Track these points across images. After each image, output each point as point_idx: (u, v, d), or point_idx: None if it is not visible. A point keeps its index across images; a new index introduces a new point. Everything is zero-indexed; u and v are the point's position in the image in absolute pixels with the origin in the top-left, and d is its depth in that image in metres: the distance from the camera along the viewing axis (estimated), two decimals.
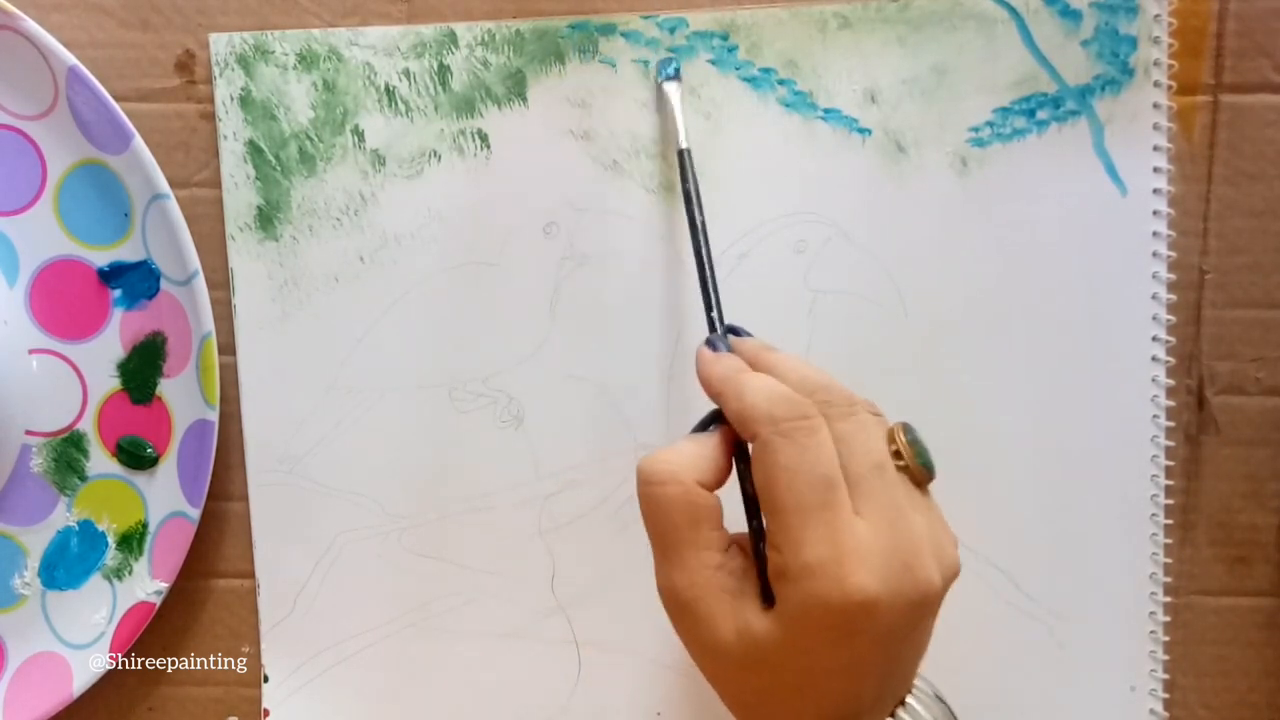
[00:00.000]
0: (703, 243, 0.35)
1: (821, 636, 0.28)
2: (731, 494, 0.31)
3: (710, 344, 0.33)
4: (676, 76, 0.38)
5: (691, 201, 0.36)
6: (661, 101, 0.39)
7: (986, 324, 0.40)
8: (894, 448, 0.30)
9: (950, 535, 0.30)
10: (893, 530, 0.28)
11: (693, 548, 0.30)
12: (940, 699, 0.32)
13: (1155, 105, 0.38)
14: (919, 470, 0.30)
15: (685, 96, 0.39)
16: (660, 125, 0.39)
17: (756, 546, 0.30)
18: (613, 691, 0.42)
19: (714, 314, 0.34)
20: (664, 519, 0.30)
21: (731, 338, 0.33)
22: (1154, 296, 0.39)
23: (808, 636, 0.28)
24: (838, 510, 0.28)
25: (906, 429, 0.30)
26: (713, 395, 0.32)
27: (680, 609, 0.30)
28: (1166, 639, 0.40)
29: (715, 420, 0.32)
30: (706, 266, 0.35)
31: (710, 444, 0.31)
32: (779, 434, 0.29)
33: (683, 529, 0.30)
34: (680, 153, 0.37)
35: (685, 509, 0.30)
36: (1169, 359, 0.39)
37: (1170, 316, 0.39)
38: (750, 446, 0.30)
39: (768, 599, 0.29)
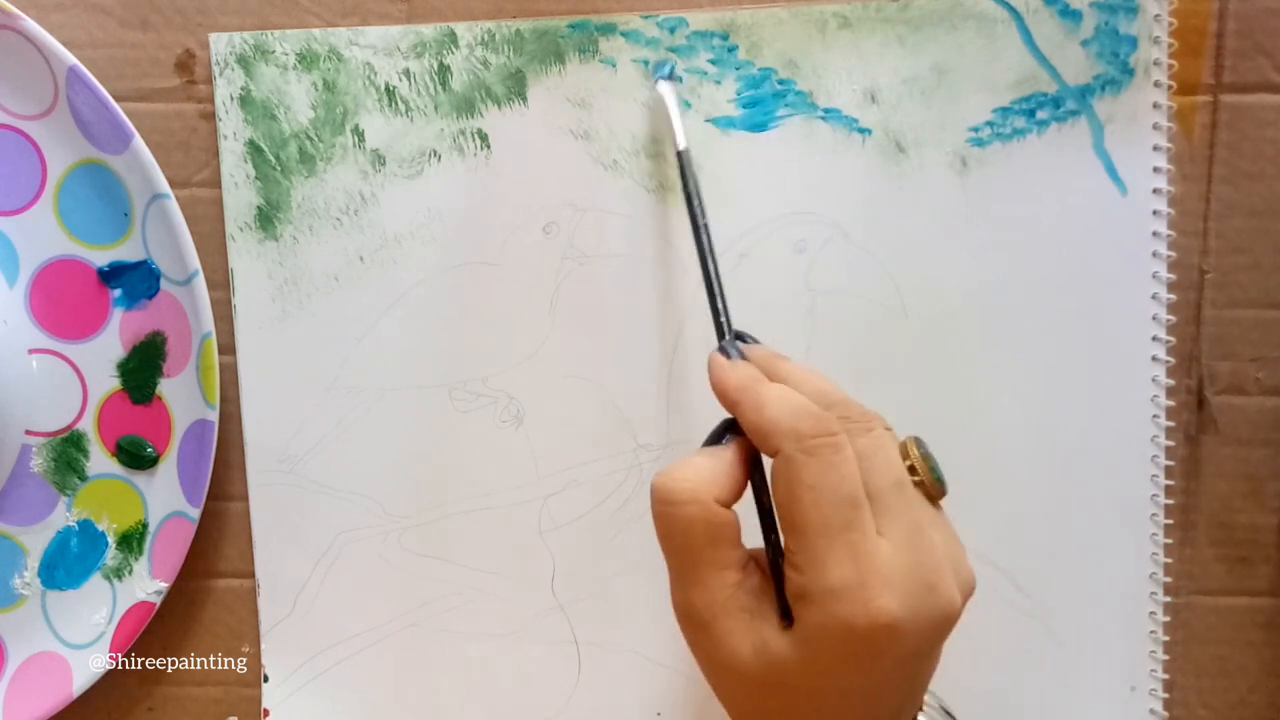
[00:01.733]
0: (706, 244, 0.34)
1: (842, 658, 0.27)
2: (744, 506, 0.31)
3: (723, 351, 0.32)
4: (672, 77, 0.38)
5: (693, 202, 0.35)
6: (657, 102, 0.38)
7: (986, 324, 0.40)
8: (908, 463, 0.30)
9: (962, 549, 0.30)
10: (914, 550, 0.28)
11: (712, 567, 0.29)
12: (948, 712, 0.31)
13: (1155, 105, 0.38)
14: (933, 486, 0.30)
15: (686, 96, 0.39)
16: (656, 125, 0.39)
17: (774, 563, 0.30)
18: (613, 691, 0.42)
19: (722, 319, 0.34)
20: (683, 539, 0.29)
21: (740, 345, 0.33)
22: (1154, 296, 0.39)
23: (828, 658, 0.28)
24: (862, 531, 0.27)
25: (919, 443, 0.30)
26: (728, 405, 0.31)
27: (698, 628, 0.30)
28: (1166, 639, 0.40)
29: (729, 430, 0.31)
30: (711, 268, 0.34)
31: (726, 458, 0.30)
32: (803, 451, 0.28)
33: (702, 548, 0.29)
34: (679, 154, 0.36)
35: (705, 529, 0.29)
36: (1169, 359, 0.39)
37: (1170, 316, 0.39)
38: (770, 461, 0.29)
39: (785, 617, 0.29)
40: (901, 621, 0.27)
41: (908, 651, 0.28)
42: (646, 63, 0.39)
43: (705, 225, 0.35)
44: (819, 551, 0.27)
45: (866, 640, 0.27)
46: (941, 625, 0.28)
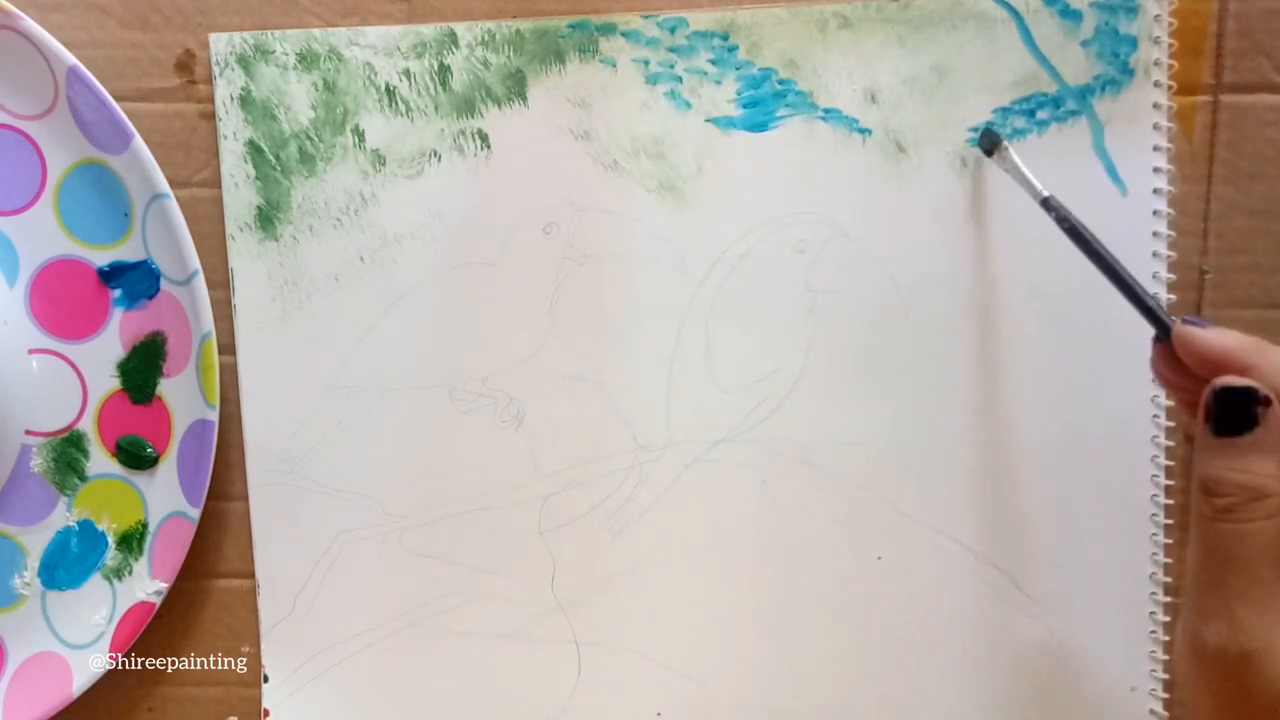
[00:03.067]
0: (1114, 260, 0.33)
1: None
2: None
3: (1192, 323, 0.29)
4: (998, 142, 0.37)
5: (1084, 235, 0.34)
6: (1010, 168, 0.37)
7: (986, 324, 0.40)
8: None
9: None
10: None
11: (1275, 586, 0.25)
12: None
13: (1155, 105, 0.38)
14: None
15: (686, 96, 0.39)
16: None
17: None
18: (613, 691, 0.42)
19: (1159, 313, 0.31)
20: (1258, 556, 0.25)
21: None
22: (1154, 296, 0.39)
23: None
24: None
25: None
26: (1235, 368, 0.27)
27: (1239, 662, 0.25)
28: (1166, 639, 0.40)
29: (1242, 404, 0.26)
30: (1127, 278, 0.32)
31: (1276, 444, 0.26)
32: None
33: (1275, 564, 0.25)
34: (1046, 200, 0.35)
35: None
36: None
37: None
38: None
39: None
40: None
41: None
42: (647, 62, 0.39)
43: (1105, 249, 0.33)
44: None
45: None
46: None
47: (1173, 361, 0.30)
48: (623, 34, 0.39)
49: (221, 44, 0.40)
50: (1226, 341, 0.27)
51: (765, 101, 0.39)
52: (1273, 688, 0.25)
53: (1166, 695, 0.40)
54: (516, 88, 0.39)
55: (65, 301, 0.40)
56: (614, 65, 0.39)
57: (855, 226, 0.39)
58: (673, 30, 0.39)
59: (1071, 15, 0.38)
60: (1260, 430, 0.26)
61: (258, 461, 0.41)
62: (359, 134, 0.40)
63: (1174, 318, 0.31)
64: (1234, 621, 0.25)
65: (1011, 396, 0.40)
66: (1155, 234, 0.39)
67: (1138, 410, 0.39)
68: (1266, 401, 0.26)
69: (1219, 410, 0.27)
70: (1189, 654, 0.27)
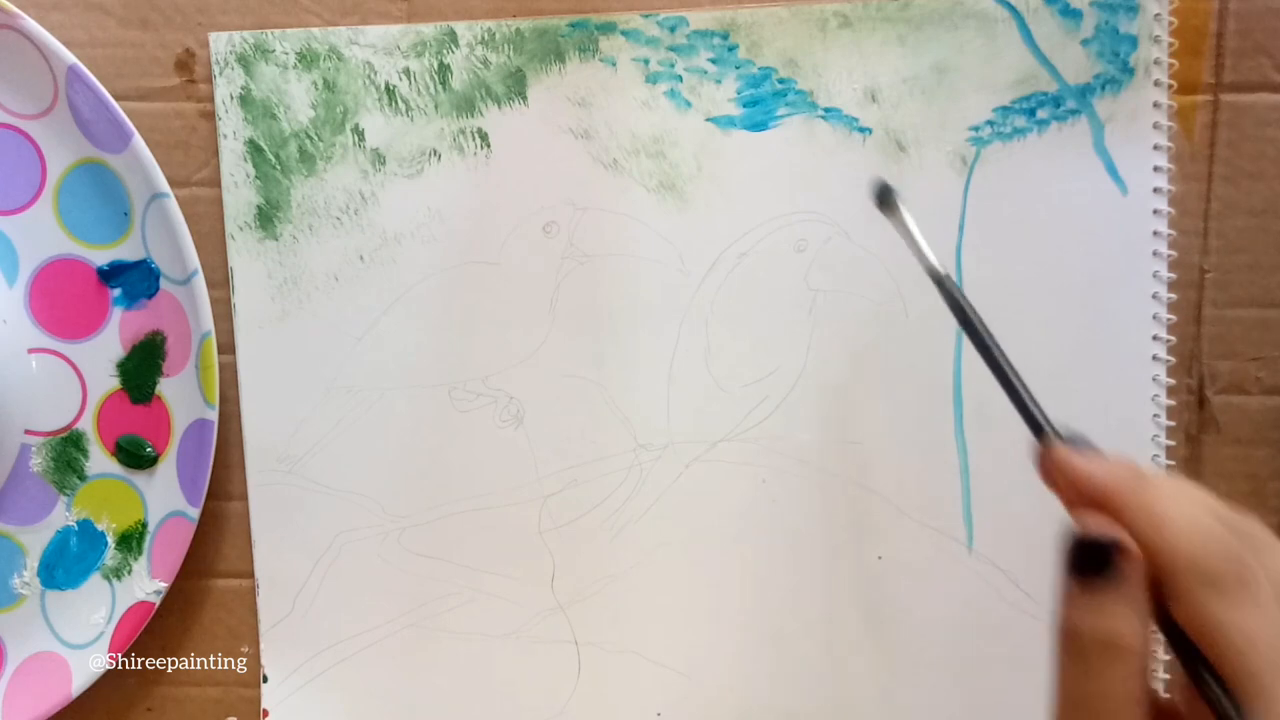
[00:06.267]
0: (999, 354, 0.30)
1: None
2: None
3: (1069, 440, 0.27)
4: (889, 199, 0.33)
5: (974, 326, 0.30)
6: (898, 227, 0.33)
7: (986, 323, 0.39)
8: None
9: None
10: None
11: None
12: None
13: (1155, 104, 0.38)
14: None
15: (687, 95, 0.39)
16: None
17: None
18: (613, 691, 0.41)
19: (1037, 415, 0.28)
20: (1112, 704, 0.24)
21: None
22: (1154, 296, 0.39)
23: None
24: None
25: None
26: (1099, 507, 0.25)
27: None
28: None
29: (1093, 550, 0.24)
30: (1011, 375, 0.30)
31: (1139, 597, 0.24)
32: (1217, 591, 0.23)
33: (1131, 708, 0.24)
34: (941, 279, 0.31)
35: (1143, 686, 0.24)
36: (1169, 359, 0.39)
37: (1170, 316, 0.39)
38: (1172, 598, 0.24)
39: None
40: None
41: None
42: (647, 61, 0.39)
43: (992, 340, 0.30)
44: (1246, 707, 0.22)
45: None
46: None
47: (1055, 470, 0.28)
48: (623, 33, 0.39)
49: (221, 43, 0.40)
50: (1099, 477, 0.25)
51: (765, 101, 0.39)
52: None
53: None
54: (516, 87, 0.39)
55: (65, 301, 0.40)
56: (614, 64, 0.39)
57: (855, 225, 0.39)
58: (673, 29, 0.39)
59: (1072, 14, 0.38)
60: (1120, 582, 0.24)
61: (257, 461, 0.41)
62: (359, 133, 0.40)
63: (1057, 431, 0.28)
64: None
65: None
66: (1155, 233, 0.39)
67: (1138, 410, 0.39)
68: (1128, 552, 0.24)
69: (1077, 557, 0.25)
70: None
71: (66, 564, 0.41)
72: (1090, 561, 0.24)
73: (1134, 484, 0.25)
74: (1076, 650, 0.25)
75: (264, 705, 0.42)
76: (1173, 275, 0.39)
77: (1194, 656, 0.24)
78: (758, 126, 0.39)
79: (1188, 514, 0.24)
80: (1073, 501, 0.26)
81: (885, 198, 0.33)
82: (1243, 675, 0.23)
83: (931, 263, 0.31)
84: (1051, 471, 0.27)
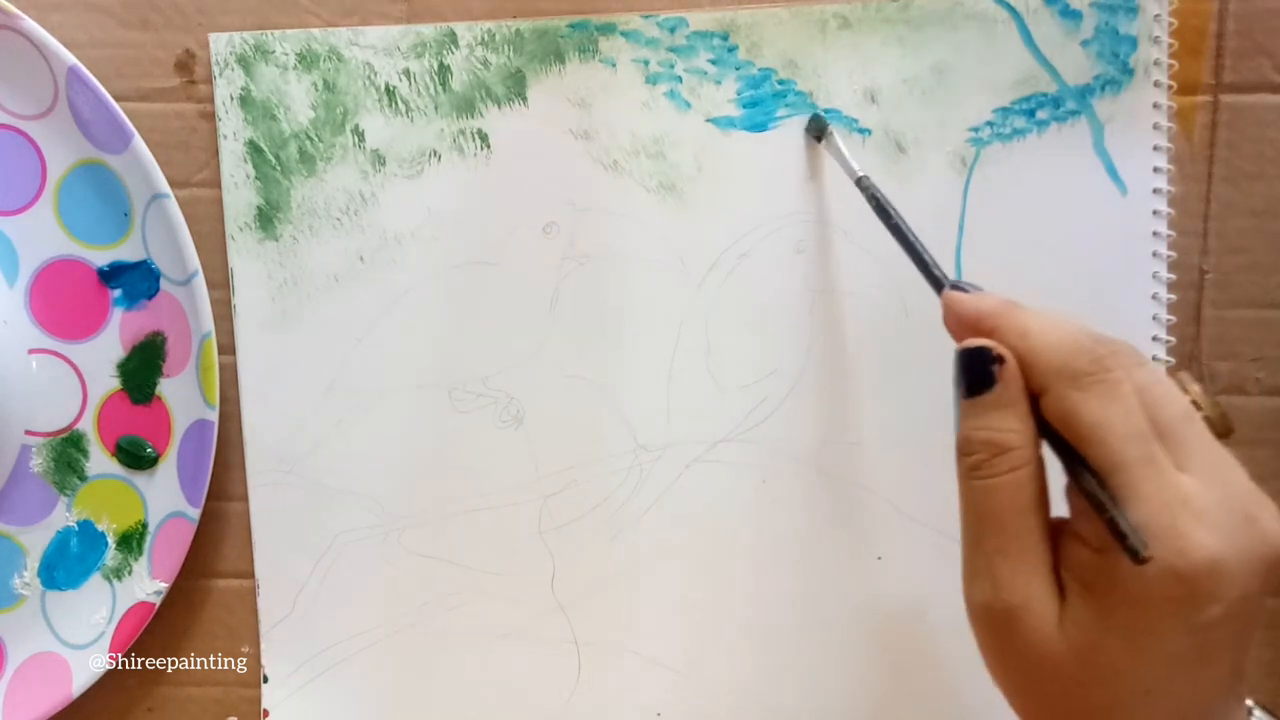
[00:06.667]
0: (899, 219, 0.33)
1: (1164, 614, 0.24)
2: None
3: (958, 287, 0.29)
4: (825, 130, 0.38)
5: (888, 211, 0.34)
6: (831, 149, 0.38)
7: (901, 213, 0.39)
8: (1189, 398, 0.27)
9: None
10: (1221, 482, 0.25)
11: (1028, 538, 0.26)
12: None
13: (1155, 105, 0.38)
14: (1220, 420, 0.27)
15: (687, 96, 0.39)
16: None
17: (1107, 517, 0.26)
18: (613, 691, 0.42)
19: (936, 271, 0.31)
20: (1008, 510, 0.26)
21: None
22: (1154, 296, 0.39)
23: (1149, 618, 0.24)
24: (1158, 465, 0.25)
25: (1193, 379, 0.27)
26: (981, 331, 0.27)
27: (1004, 620, 0.26)
28: None
29: (982, 364, 0.26)
30: (909, 234, 0.33)
31: (1021, 402, 0.26)
32: (1078, 388, 0.25)
33: (1028, 516, 0.26)
34: (859, 180, 0.36)
35: (1036, 494, 0.26)
36: (1169, 359, 0.39)
37: (1170, 316, 0.39)
38: (1044, 398, 0.26)
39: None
40: (1223, 558, 0.24)
41: (1236, 598, 0.24)
42: (647, 62, 0.39)
43: (894, 210, 0.34)
44: (1115, 494, 0.25)
45: (1188, 585, 0.24)
46: (1268, 561, 0.25)
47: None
48: (623, 34, 0.39)
49: (221, 44, 0.40)
50: (980, 304, 0.28)
51: (765, 101, 0.39)
52: (1035, 641, 0.26)
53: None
54: (516, 87, 0.39)
55: (65, 301, 0.40)
56: (614, 65, 0.39)
57: (855, 226, 0.39)
58: (673, 30, 0.39)
59: (1071, 15, 0.38)
60: (999, 388, 0.26)
61: (257, 461, 0.41)
62: (359, 134, 0.40)
63: (951, 282, 0.30)
64: (995, 578, 0.26)
65: None
66: (1155, 234, 0.39)
67: None
68: (1000, 359, 0.26)
69: (961, 372, 0.27)
70: (968, 614, 0.27)
71: (67, 564, 0.41)
72: (974, 380, 0.27)
73: (1006, 307, 0.27)
74: (970, 460, 0.27)
75: (264, 705, 0.42)
76: (1172, 275, 0.39)
77: (1070, 455, 0.26)
78: (758, 127, 0.39)
79: (1052, 323, 0.26)
80: (961, 335, 0.28)
81: (820, 128, 0.38)
82: (1104, 456, 0.25)
83: (853, 168, 0.36)
84: (949, 318, 0.29)
